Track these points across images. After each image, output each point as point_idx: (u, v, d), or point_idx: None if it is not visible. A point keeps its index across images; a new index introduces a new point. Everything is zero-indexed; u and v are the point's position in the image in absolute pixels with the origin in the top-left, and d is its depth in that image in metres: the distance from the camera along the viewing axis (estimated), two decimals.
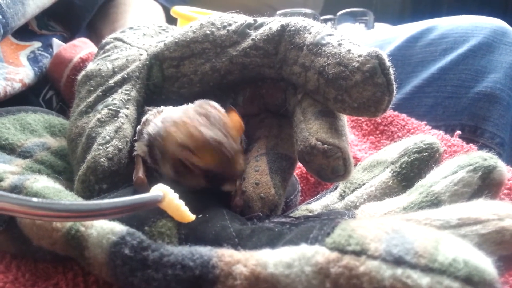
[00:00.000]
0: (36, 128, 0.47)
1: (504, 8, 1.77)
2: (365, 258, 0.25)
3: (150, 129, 0.37)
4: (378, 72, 0.35)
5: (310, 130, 0.37)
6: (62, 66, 0.61)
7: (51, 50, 0.65)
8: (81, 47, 0.63)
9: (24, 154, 0.43)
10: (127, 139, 0.39)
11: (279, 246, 0.29)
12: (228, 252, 0.28)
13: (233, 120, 0.37)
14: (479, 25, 0.72)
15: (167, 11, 0.90)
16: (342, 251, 0.26)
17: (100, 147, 0.38)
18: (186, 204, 0.35)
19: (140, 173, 0.36)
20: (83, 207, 0.29)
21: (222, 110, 0.38)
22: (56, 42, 0.65)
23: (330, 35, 0.38)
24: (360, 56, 0.35)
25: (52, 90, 0.65)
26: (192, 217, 0.32)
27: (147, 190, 0.35)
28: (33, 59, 0.62)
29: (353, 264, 0.25)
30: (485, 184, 0.37)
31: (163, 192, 0.31)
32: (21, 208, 0.27)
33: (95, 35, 0.80)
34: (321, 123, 0.37)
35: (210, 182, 0.36)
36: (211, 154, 0.34)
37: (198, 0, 1.05)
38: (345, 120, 0.40)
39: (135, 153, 0.38)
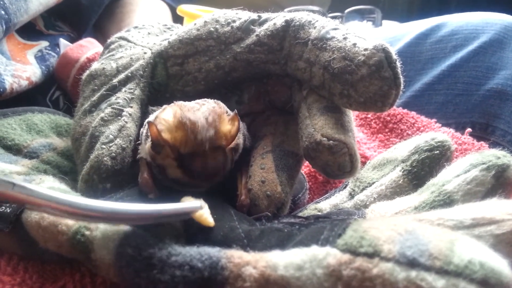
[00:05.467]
0: (42, 128, 0.47)
1: None
2: (378, 260, 0.25)
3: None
4: (385, 65, 0.34)
5: (316, 126, 0.36)
6: (69, 66, 0.61)
7: (58, 49, 0.65)
8: (87, 47, 0.63)
9: (31, 154, 0.43)
10: (130, 138, 0.39)
11: (289, 247, 0.28)
12: (237, 254, 0.28)
13: (233, 124, 0.36)
14: (489, 21, 0.71)
15: (173, 9, 0.90)
16: (354, 253, 0.25)
17: (104, 146, 0.37)
18: None
19: (145, 174, 0.36)
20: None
21: (225, 108, 0.37)
22: (63, 42, 0.65)
23: (335, 29, 0.38)
24: (366, 49, 0.35)
25: (59, 90, 0.65)
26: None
27: (153, 191, 0.35)
28: (40, 58, 0.62)
29: (365, 266, 0.25)
30: (499, 183, 0.36)
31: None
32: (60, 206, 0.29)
33: (102, 35, 0.80)
34: (326, 118, 0.37)
35: (182, 168, 0.35)
36: (181, 131, 0.34)
37: None
38: (351, 115, 0.40)
39: (139, 156, 0.38)
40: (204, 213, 0.31)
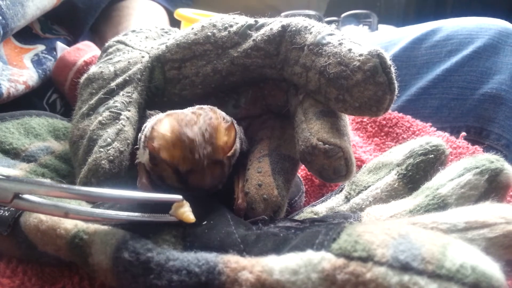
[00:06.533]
0: (40, 132, 0.47)
1: (508, 9, 1.76)
2: (372, 264, 0.25)
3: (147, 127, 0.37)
4: (379, 71, 0.35)
5: (311, 130, 0.37)
6: (66, 70, 0.62)
7: (54, 53, 0.65)
8: (85, 51, 0.63)
9: (28, 158, 0.43)
10: (128, 141, 0.39)
11: (284, 251, 0.28)
12: (234, 258, 0.28)
13: (229, 134, 0.36)
14: (484, 26, 0.72)
15: (170, 13, 0.90)
16: (349, 257, 0.26)
17: (101, 149, 0.37)
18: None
19: (144, 179, 0.36)
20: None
21: (221, 115, 0.37)
22: (60, 45, 0.66)
23: (331, 34, 0.38)
24: (361, 55, 0.35)
25: (56, 93, 0.65)
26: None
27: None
28: (37, 62, 0.62)
29: (359, 271, 0.25)
30: (492, 187, 0.37)
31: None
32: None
33: (99, 39, 0.80)
34: (322, 123, 0.37)
35: (182, 183, 0.35)
36: (179, 150, 0.34)
37: (202, 2, 1.06)
38: (347, 120, 0.40)
39: (137, 161, 0.38)
40: (185, 210, 0.32)
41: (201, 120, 0.35)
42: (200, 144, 0.34)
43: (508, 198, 0.40)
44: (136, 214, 0.32)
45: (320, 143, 0.36)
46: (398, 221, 0.33)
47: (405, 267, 0.24)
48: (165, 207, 0.33)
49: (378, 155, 0.56)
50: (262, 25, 0.42)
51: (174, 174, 0.35)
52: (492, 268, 0.24)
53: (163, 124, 0.35)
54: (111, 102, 0.41)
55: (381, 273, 0.24)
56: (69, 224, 0.31)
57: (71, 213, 0.31)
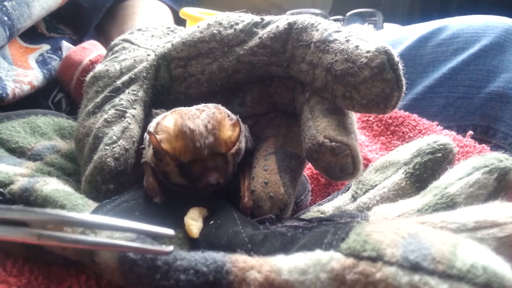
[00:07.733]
0: (46, 131, 0.47)
1: None
2: (382, 264, 0.25)
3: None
4: (387, 67, 0.34)
5: (318, 128, 0.37)
6: (72, 69, 0.62)
7: (60, 52, 0.65)
8: (90, 50, 0.63)
9: (34, 157, 0.43)
10: (133, 139, 0.39)
11: (292, 251, 0.28)
12: (241, 258, 0.28)
13: (233, 130, 0.36)
14: (490, 24, 0.71)
15: (175, 12, 0.90)
16: (358, 257, 0.26)
17: (107, 147, 0.37)
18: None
19: (151, 178, 0.36)
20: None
21: (226, 113, 0.37)
22: (65, 44, 0.66)
23: (338, 31, 0.38)
24: (368, 51, 0.35)
25: (61, 92, 0.66)
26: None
27: (159, 195, 0.35)
28: (42, 62, 0.62)
29: (369, 271, 0.25)
30: (501, 186, 0.36)
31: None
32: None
33: (104, 38, 0.80)
34: (329, 120, 0.37)
35: (184, 175, 0.35)
36: (181, 140, 0.34)
37: (207, 1, 1.06)
38: (354, 117, 0.40)
39: (143, 160, 0.38)
40: (193, 223, 0.32)
41: (204, 114, 0.35)
42: (201, 133, 0.34)
43: None
44: (111, 240, 0.30)
45: (326, 140, 0.36)
46: (406, 220, 0.33)
47: (415, 267, 0.24)
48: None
49: (384, 154, 0.56)
50: (268, 23, 0.42)
51: (177, 167, 0.35)
52: (503, 268, 0.24)
53: (167, 119, 0.36)
54: (116, 100, 0.41)
55: (391, 273, 0.24)
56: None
57: (43, 238, 0.30)
